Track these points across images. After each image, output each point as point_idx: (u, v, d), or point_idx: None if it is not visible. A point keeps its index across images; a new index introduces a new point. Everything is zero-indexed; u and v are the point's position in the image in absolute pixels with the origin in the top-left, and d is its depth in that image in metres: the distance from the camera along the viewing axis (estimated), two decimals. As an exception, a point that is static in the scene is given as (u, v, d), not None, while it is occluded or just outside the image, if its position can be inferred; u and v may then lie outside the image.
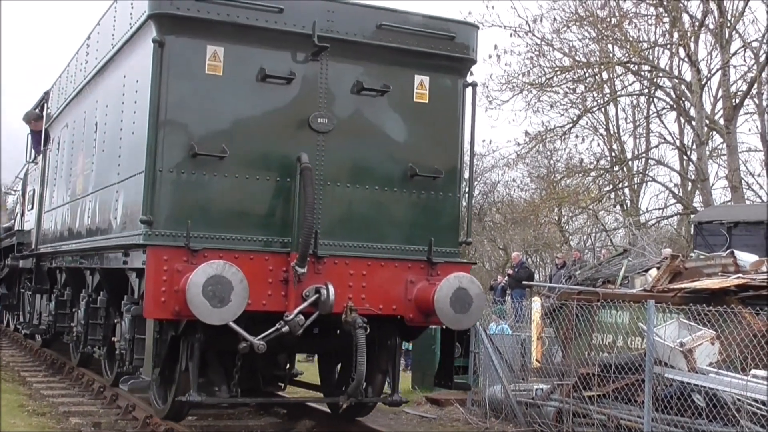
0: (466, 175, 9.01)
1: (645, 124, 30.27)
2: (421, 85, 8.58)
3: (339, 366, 9.83)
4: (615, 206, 31.34)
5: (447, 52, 8.62)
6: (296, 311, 7.76)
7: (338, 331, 8.64)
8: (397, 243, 8.41)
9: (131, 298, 8.87)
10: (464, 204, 9.05)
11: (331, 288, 7.79)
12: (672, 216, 30.33)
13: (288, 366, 10.20)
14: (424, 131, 8.60)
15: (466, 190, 9.16)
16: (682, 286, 10.67)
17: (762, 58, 24.50)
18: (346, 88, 8.31)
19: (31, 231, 15.14)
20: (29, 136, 16.19)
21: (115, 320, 9.44)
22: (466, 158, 8.98)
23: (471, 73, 8.86)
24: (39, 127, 14.85)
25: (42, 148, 14.52)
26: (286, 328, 7.73)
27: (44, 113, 14.80)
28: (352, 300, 8.02)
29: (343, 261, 8.10)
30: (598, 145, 29.78)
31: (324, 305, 7.80)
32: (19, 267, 16.55)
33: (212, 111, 7.84)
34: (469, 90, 8.85)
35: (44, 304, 14.03)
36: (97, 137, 9.97)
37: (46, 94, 14.65)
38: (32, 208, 15.38)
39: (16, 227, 19.23)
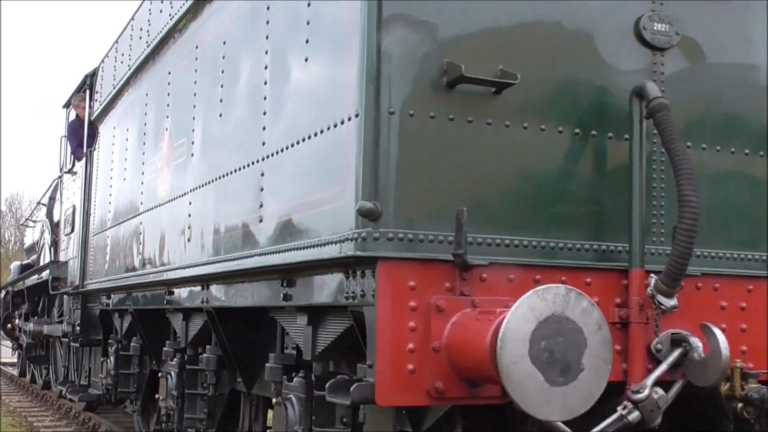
0: None
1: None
2: (803, -28, 4.89)
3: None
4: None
5: None
6: (650, 380, 4.00)
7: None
8: None
9: (282, 358, 5.20)
10: None
11: (719, 335, 4.02)
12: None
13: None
14: (811, 54, 4.89)
15: None
16: None
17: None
18: (689, -29, 4.62)
19: (71, 261, 11.38)
20: (63, 139, 12.55)
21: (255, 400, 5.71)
22: None
23: None
24: (83, 116, 11.24)
25: (86, 151, 10.82)
26: (635, 415, 3.96)
27: (86, 104, 11.14)
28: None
29: (711, 284, 4.34)
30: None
31: (704, 368, 4.03)
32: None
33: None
34: None
35: (95, 358, 10.31)
36: (201, 99, 6.27)
37: (89, 77, 10.94)
38: (71, 231, 11.61)
39: (43, 260, 15.60)
